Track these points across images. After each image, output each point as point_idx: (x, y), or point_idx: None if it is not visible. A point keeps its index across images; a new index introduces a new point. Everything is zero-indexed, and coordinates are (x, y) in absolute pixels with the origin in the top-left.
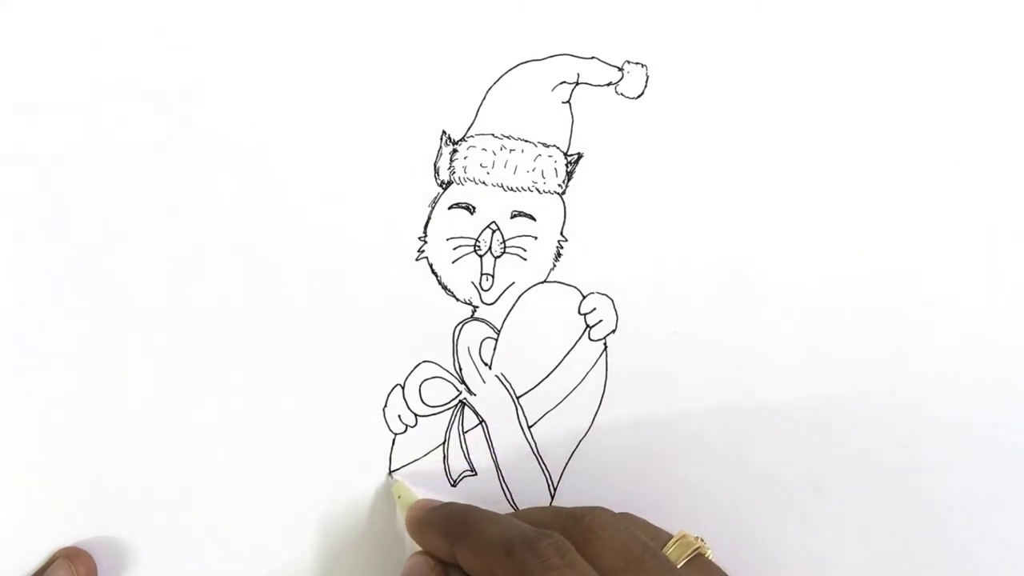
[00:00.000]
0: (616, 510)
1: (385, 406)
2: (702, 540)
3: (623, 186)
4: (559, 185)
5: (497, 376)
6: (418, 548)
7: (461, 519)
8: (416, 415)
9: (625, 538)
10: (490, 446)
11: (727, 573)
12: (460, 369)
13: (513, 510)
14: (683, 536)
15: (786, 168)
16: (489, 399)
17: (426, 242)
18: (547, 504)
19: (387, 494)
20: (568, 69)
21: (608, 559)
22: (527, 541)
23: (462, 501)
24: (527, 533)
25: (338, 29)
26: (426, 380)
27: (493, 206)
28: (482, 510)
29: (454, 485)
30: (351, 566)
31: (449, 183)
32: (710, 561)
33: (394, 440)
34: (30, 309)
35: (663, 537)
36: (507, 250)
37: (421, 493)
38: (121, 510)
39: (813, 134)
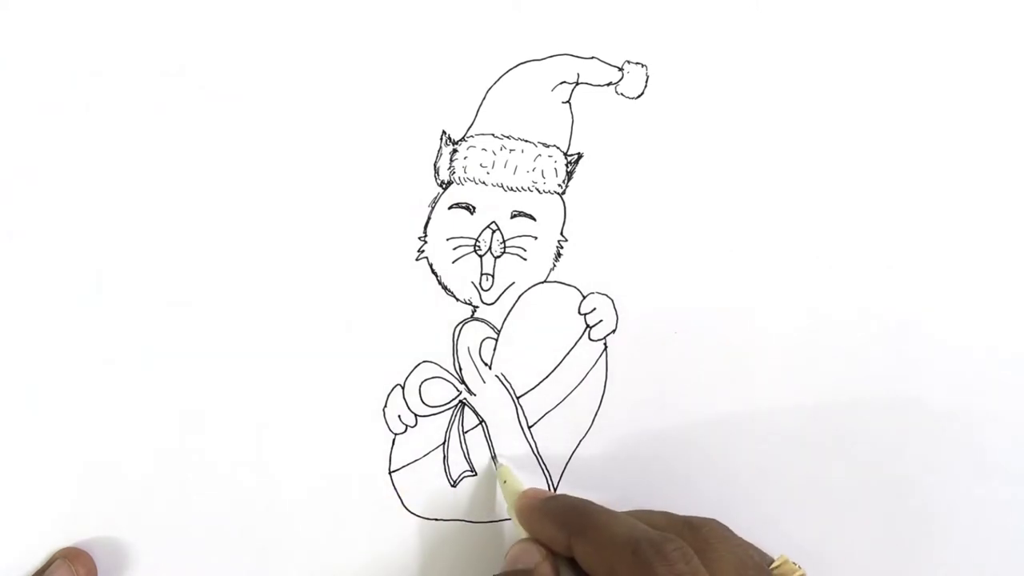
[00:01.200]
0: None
1: (385, 406)
2: (799, 567)
3: (623, 186)
4: (559, 185)
5: (497, 376)
6: (523, 535)
7: (582, 513)
8: (416, 415)
9: (740, 554)
10: (490, 446)
11: None
12: (460, 369)
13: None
14: (784, 561)
15: (786, 167)
16: (489, 399)
17: (426, 242)
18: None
19: (387, 494)
20: (568, 69)
21: (723, 571)
22: (653, 543)
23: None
24: (652, 535)
25: (338, 29)
26: (426, 380)
27: (493, 206)
28: (601, 506)
29: (454, 485)
30: (351, 566)
31: (449, 183)
32: None
33: (394, 440)
34: (30, 309)
35: (766, 558)
36: (507, 250)
37: (422, 492)
38: (121, 510)
39: (813, 134)
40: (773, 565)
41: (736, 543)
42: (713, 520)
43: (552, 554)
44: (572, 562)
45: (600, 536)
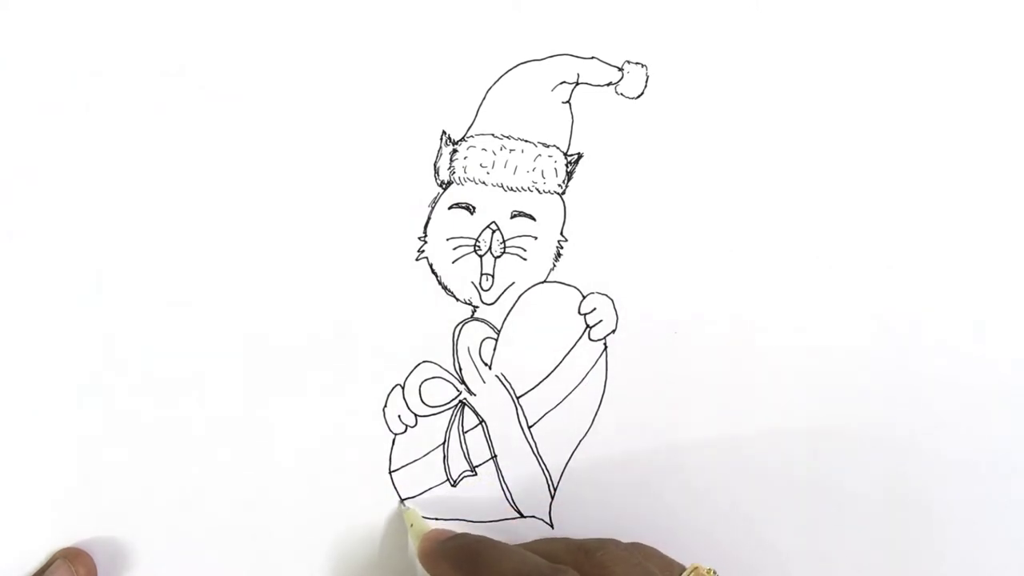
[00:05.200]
0: (616, 510)
1: (385, 406)
2: (714, 572)
3: (623, 186)
4: (559, 185)
5: (497, 376)
6: None
7: (474, 552)
8: (416, 415)
9: (637, 572)
10: (490, 446)
11: None
12: (460, 369)
13: (513, 510)
14: (695, 568)
15: (786, 167)
16: (489, 399)
17: (426, 242)
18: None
19: (387, 494)
20: (568, 69)
21: None
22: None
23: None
24: (541, 568)
25: (338, 29)
26: (426, 380)
27: (493, 206)
28: (495, 542)
29: (454, 485)
30: (351, 566)
31: (449, 183)
32: None
33: (394, 440)
34: (30, 309)
35: (675, 569)
36: (507, 250)
37: (422, 492)
38: (121, 510)
39: (813, 133)
40: (685, 573)
41: (633, 563)
42: (610, 541)
43: None
44: None
45: (491, 573)
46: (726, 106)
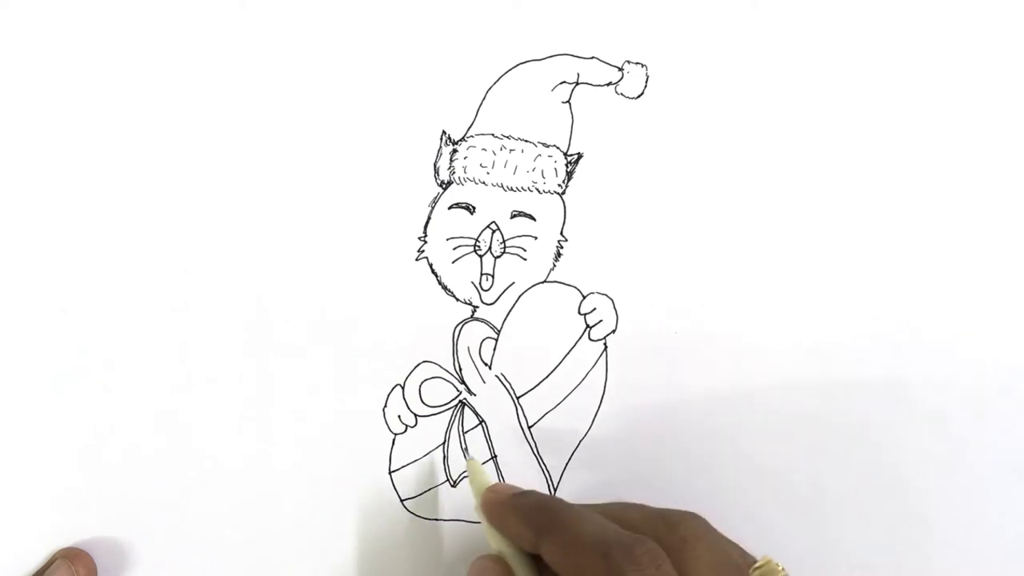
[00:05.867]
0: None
1: (385, 406)
2: (783, 568)
3: (623, 186)
4: (559, 185)
5: (497, 376)
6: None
7: (551, 512)
8: (416, 415)
9: (719, 554)
10: (490, 446)
11: None
12: (460, 369)
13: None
14: (767, 561)
15: (786, 167)
16: (489, 399)
17: (426, 242)
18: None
19: (387, 494)
20: (568, 69)
21: (701, 573)
22: (623, 546)
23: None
24: (623, 537)
25: (338, 29)
26: (426, 380)
27: (493, 206)
28: (572, 504)
29: (454, 485)
30: (351, 566)
31: (449, 183)
32: None
33: (394, 440)
34: (30, 309)
35: (748, 558)
36: (507, 250)
37: (422, 492)
38: (121, 510)
39: (813, 133)
40: (756, 565)
41: (715, 540)
42: (691, 514)
43: (508, 566)
44: (540, 561)
45: (568, 537)
46: (726, 106)
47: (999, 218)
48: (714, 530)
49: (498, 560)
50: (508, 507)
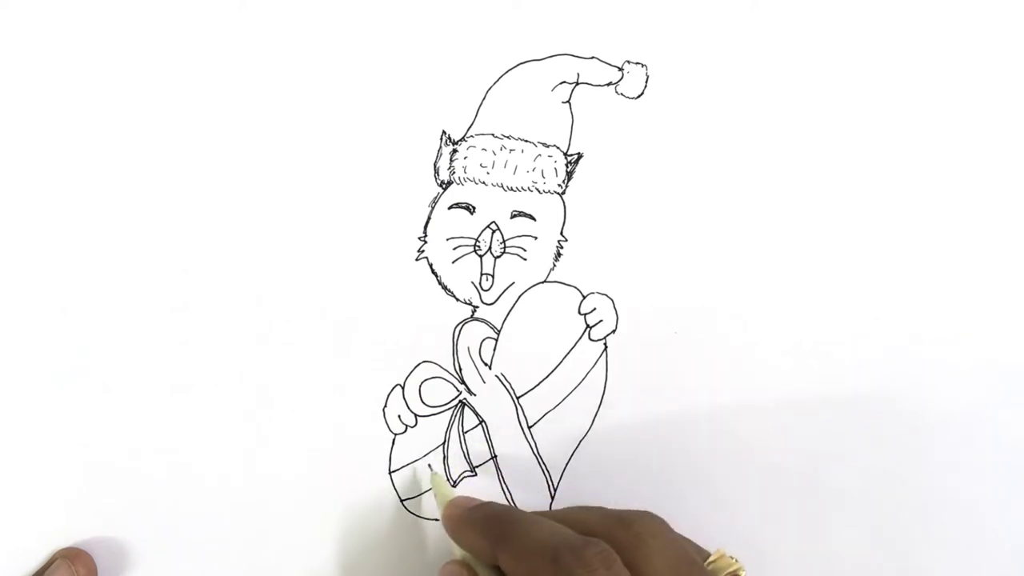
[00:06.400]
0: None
1: (385, 406)
2: (736, 560)
3: (623, 186)
4: (559, 185)
5: (497, 376)
6: (455, 546)
7: (503, 521)
8: (416, 415)
9: (675, 550)
10: (490, 446)
11: None
12: (460, 369)
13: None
14: (721, 555)
15: (786, 167)
16: (489, 399)
17: (426, 242)
18: (547, 506)
19: (387, 494)
20: (568, 69)
21: (656, 569)
22: (574, 548)
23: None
24: (573, 540)
25: (338, 29)
26: (426, 380)
27: (493, 206)
28: (525, 512)
29: (454, 485)
30: (351, 566)
31: (449, 183)
32: None
33: (394, 440)
34: (30, 309)
35: (703, 553)
36: (507, 250)
37: (422, 492)
38: (121, 510)
39: (813, 133)
40: (710, 560)
41: (670, 538)
42: (647, 513)
43: (474, 571)
44: (500, 572)
45: (521, 544)
46: (726, 106)
47: (999, 218)
48: (669, 527)
49: (465, 565)
50: (466, 521)
